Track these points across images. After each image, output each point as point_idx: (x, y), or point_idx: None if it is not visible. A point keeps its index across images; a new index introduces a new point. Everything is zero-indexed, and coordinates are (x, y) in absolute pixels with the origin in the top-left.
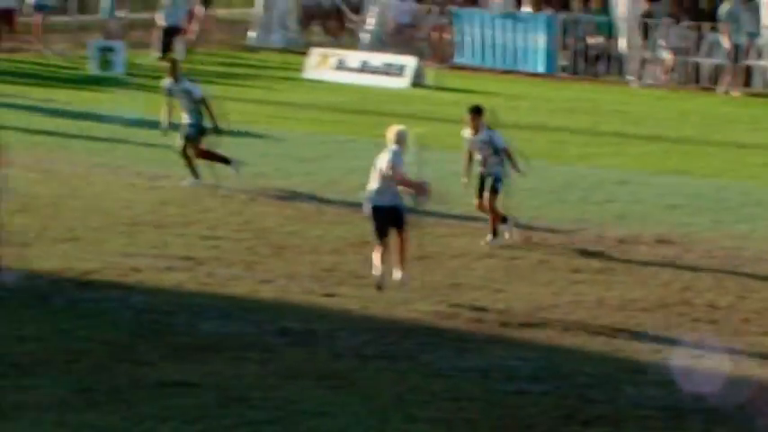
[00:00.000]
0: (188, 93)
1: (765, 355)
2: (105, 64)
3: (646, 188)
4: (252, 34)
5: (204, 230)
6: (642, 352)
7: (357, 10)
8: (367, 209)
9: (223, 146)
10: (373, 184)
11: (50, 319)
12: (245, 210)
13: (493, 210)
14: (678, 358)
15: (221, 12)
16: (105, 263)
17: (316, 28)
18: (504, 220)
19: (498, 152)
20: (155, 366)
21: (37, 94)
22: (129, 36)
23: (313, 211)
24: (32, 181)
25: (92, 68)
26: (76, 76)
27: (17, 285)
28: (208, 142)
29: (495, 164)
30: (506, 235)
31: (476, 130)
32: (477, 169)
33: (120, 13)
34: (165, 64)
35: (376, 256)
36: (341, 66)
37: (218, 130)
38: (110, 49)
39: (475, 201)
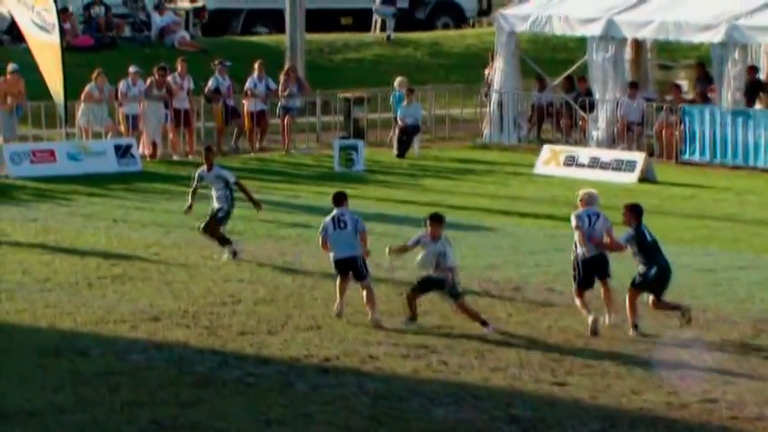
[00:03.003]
0: (222, 178)
1: None
2: (347, 161)
3: None
4: (486, 132)
5: (437, 320)
6: None
7: (588, 107)
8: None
9: (456, 239)
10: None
11: (293, 404)
12: (476, 300)
13: None
14: None
15: (455, 111)
16: (345, 350)
17: (547, 125)
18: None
19: None
20: None
21: (283, 191)
22: (369, 134)
23: (542, 301)
24: (278, 272)
25: (335, 166)
26: (320, 173)
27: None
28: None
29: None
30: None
31: (435, 237)
32: None
33: (360, 113)
34: (399, 161)
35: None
36: (571, 162)
37: (257, 205)
38: (352, 148)
39: None
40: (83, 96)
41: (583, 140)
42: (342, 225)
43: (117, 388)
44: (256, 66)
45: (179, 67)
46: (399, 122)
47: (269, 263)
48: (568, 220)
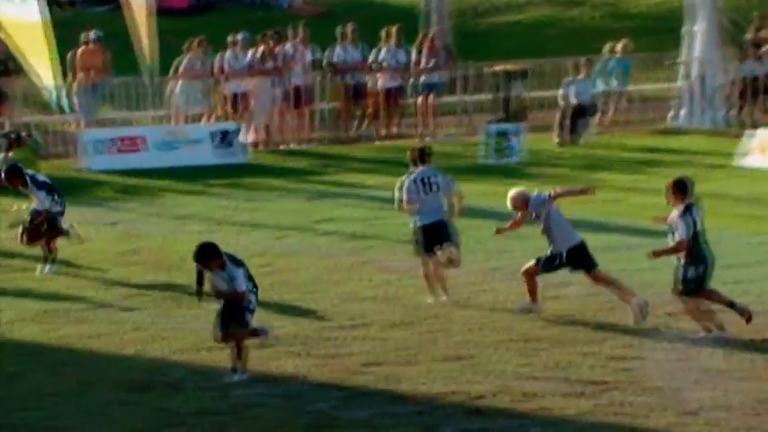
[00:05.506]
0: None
1: None
2: (500, 151)
3: None
4: (675, 113)
5: (613, 349)
6: None
7: None
8: None
9: (639, 247)
10: None
11: None
12: (658, 328)
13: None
14: None
15: (641, 87)
16: (498, 386)
17: (758, 105)
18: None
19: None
20: None
21: None
22: (531, 117)
23: (746, 327)
24: (416, 288)
25: (484, 156)
26: (467, 165)
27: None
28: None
29: None
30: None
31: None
32: None
33: (519, 90)
34: (564, 150)
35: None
36: None
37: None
38: (507, 134)
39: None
40: (181, 70)
41: None
42: (431, 188)
43: (218, 430)
44: (393, 32)
45: (300, 34)
46: (569, 101)
47: (405, 277)
48: None
